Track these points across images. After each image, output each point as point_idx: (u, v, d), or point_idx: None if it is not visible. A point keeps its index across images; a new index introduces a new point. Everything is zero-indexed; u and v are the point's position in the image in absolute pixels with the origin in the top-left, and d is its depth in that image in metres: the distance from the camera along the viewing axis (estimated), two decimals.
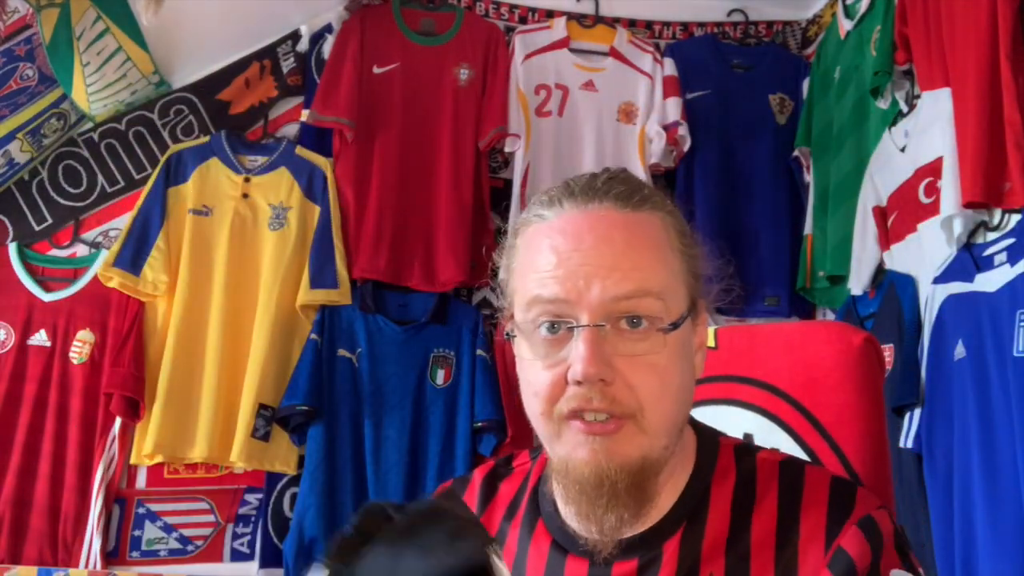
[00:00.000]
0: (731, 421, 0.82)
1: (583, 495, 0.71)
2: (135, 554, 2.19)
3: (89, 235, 2.36)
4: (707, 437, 0.82)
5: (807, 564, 0.71)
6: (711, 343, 1.03)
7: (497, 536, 0.82)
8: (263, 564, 2.23)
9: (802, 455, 0.92)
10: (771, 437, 0.96)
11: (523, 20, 2.65)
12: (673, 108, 2.49)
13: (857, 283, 2.15)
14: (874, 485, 0.88)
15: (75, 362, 2.21)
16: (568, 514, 0.76)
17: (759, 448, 0.82)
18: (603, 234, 0.72)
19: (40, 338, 2.22)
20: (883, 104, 2.17)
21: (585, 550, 0.74)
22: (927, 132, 1.96)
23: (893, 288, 2.03)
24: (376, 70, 2.46)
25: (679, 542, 0.74)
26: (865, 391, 0.94)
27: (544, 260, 0.73)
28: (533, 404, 0.74)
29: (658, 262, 0.73)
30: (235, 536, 2.26)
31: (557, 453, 0.74)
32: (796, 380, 0.97)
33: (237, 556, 2.26)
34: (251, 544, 2.26)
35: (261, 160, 2.38)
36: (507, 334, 0.78)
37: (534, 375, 0.73)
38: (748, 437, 0.98)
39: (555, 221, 0.75)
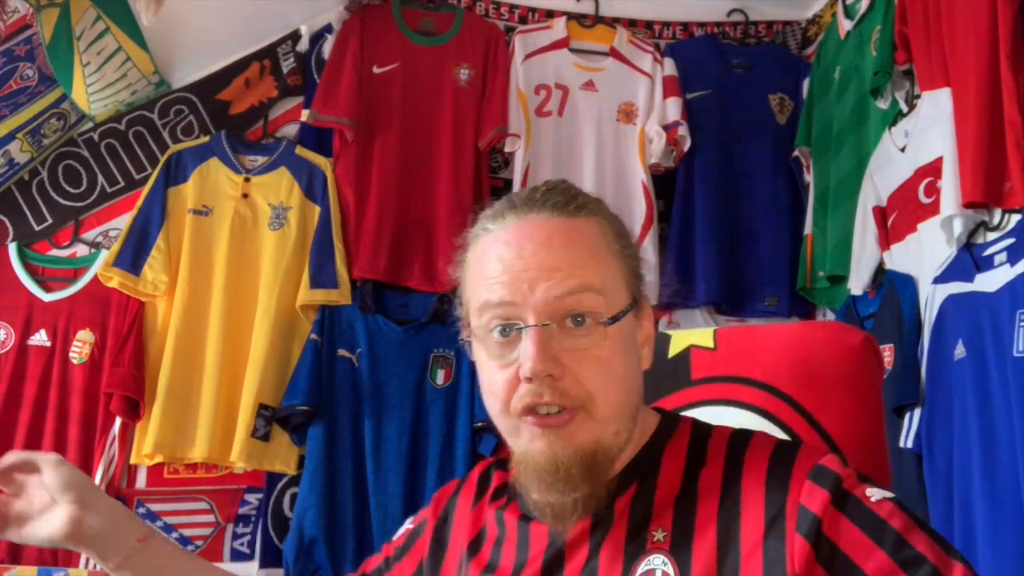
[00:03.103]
0: (731, 421, 0.83)
1: (541, 482, 0.77)
2: None
3: (89, 235, 2.37)
4: (670, 418, 0.88)
5: (748, 515, 0.75)
6: (710, 344, 1.04)
7: (484, 525, 0.89)
8: (263, 564, 2.23)
9: None
10: None
11: (523, 20, 2.65)
12: (673, 108, 2.49)
13: (857, 283, 2.15)
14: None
15: (75, 362, 2.21)
16: (530, 495, 0.81)
17: (719, 425, 0.87)
18: (543, 240, 0.79)
19: (40, 338, 2.22)
20: (883, 104, 2.17)
21: (545, 517, 0.80)
22: (927, 132, 1.96)
23: (893, 288, 2.03)
24: (376, 70, 2.46)
25: (630, 500, 0.80)
26: (864, 391, 0.95)
27: (491, 268, 0.79)
28: (492, 403, 0.80)
29: (596, 261, 0.79)
30: (235, 536, 2.27)
31: (517, 446, 0.80)
32: (795, 380, 0.97)
33: (237, 556, 2.26)
34: (251, 544, 2.26)
35: (261, 160, 2.38)
36: (463, 340, 0.84)
37: (490, 376, 0.79)
38: None
39: (499, 232, 0.81)
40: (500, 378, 0.78)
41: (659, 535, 0.77)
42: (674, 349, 1.06)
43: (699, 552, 0.75)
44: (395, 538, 0.98)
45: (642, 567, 0.76)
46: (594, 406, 0.77)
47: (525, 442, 0.78)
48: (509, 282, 0.77)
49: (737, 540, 0.74)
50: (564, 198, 0.82)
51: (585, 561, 0.78)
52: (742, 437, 0.83)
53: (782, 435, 0.93)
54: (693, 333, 1.07)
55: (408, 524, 0.98)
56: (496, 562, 0.84)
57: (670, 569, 0.75)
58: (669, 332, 1.08)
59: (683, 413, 0.85)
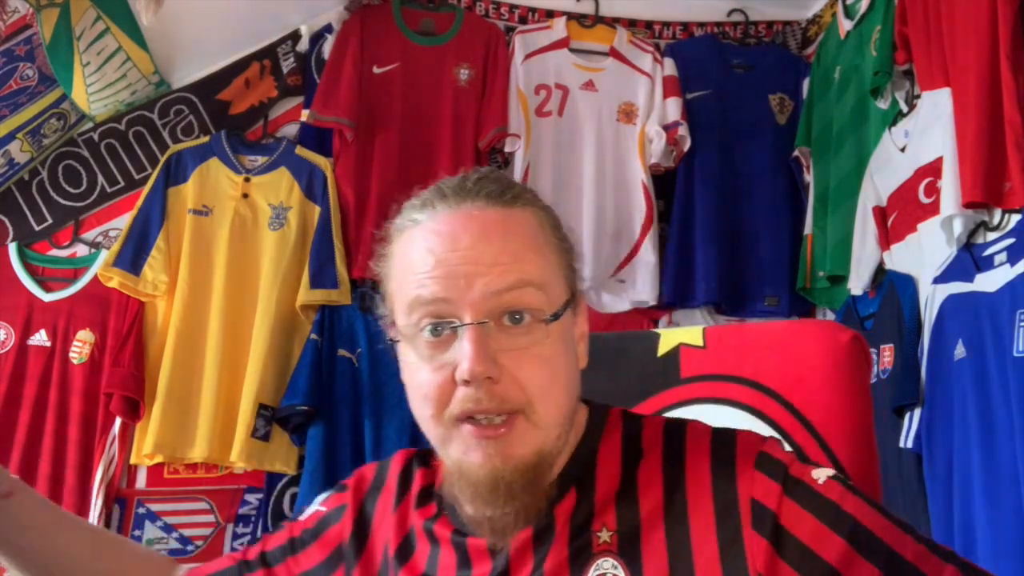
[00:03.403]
0: (720, 420, 0.82)
1: (478, 496, 0.72)
2: None
3: (89, 235, 2.36)
4: (598, 409, 0.83)
5: (697, 510, 0.72)
6: (700, 342, 1.04)
7: (410, 531, 0.82)
8: None
9: None
10: None
11: (523, 20, 2.65)
12: (673, 108, 2.49)
13: (857, 283, 2.15)
14: (863, 482, 0.89)
15: (75, 362, 2.21)
16: (464, 506, 0.77)
17: (648, 415, 0.84)
18: (479, 231, 0.73)
19: (40, 338, 2.22)
20: (883, 104, 2.17)
21: (483, 531, 0.75)
22: (927, 132, 1.96)
23: (893, 288, 2.03)
24: (376, 70, 2.46)
25: (571, 503, 0.76)
26: (853, 389, 0.95)
27: (421, 262, 0.73)
28: (422, 408, 0.74)
29: (536, 254, 0.74)
30: (235, 536, 2.26)
31: (450, 455, 0.74)
32: (785, 379, 0.97)
33: None
34: (251, 544, 2.26)
35: (261, 160, 2.38)
36: (390, 340, 0.78)
37: (421, 379, 0.73)
38: None
39: (429, 223, 0.75)
40: (432, 381, 0.72)
41: (605, 535, 0.74)
42: (663, 347, 1.05)
43: (649, 552, 0.72)
44: (303, 518, 0.90)
45: (592, 572, 0.72)
46: (535, 411, 0.71)
47: (459, 452, 0.72)
48: (443, 277, 0.71)
49: (688, 538, 0.72)
50: (498, 187, 0.76)
51: (530, 574, 0.73)
52: (677, 426, 0.79)
53: (773, 434, 0.94)
54: (683, 331, 1.06)
55: (319, 506, 0.90)
56: (433, 574, 0.78)
57: (621, 572, 0.72)
58: (658, 331, 1.08)
59: (673, 412, 0.83)
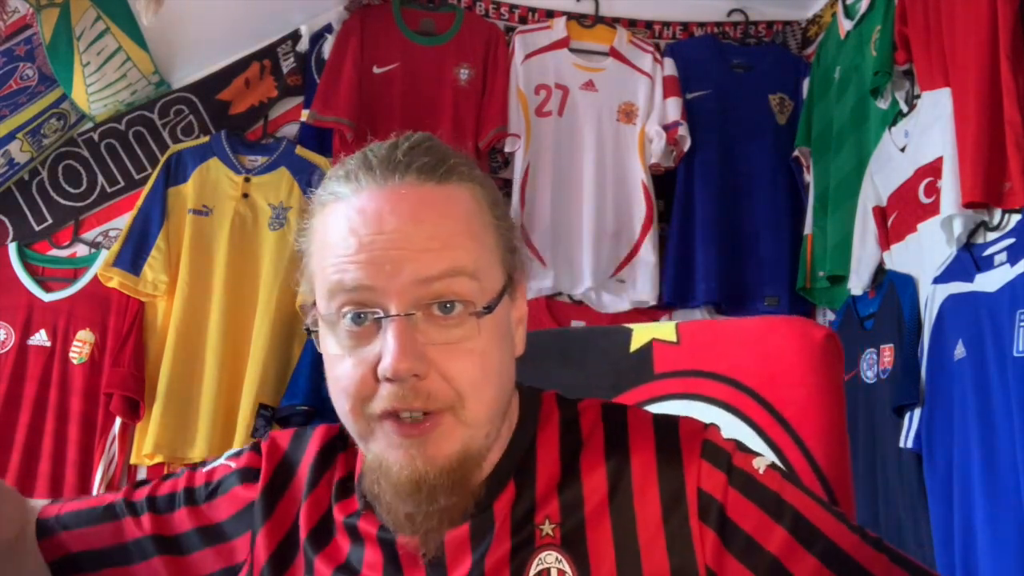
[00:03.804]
0: (695, 416, 0.82)
1: (398, 497, 0.67)
2: None
3: (89, 235, 2.37)
4: (530, 394, 0.78)
5: (643, 499, 0.70)
6: (673, 338, 1.02)
7: (325, 518, 0.76)
8: None
9: (766, 450, 0.92)
10: (734, 432, 0.96)
11: (523, 20, 2.64)
12: (673, 108, 2.49)
13: (857, 283, 2.15)
14: (837, 479, 0.90)
15: (75, 362, 2.21)
16: (385, 504, 0.71)
17: (580, 398, 0.80)
18: (408, 213, 0.66)
19: (40, 338, 2.22)
20: (883, 104, 2.17)
21: (406, 530, 0.70)
22: (927, 132, 1.96)
23: (893, 288, 2.02)
24: (376, 70, 2.46)
25: (511, 497, 0.71)
26: (828, 387, 0.95)
27: (344, 244, 0.66)
28: (341, 402, 0.68)
29: (470, 239, 0.68)
30: None
31: (371, 450, 0.68)
32: (759, 375, 0.97)
33: None
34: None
35: (261, 160, 2.38)
36: (307, 327, 0.71)
37: (341, 371, 0.67)
38: None
39: (353, 199, 0.68)
40: (353, 374, 0.66)
41: (547, 528, 0.70)
42: (636, 343, 1.04)
43: (595, 544, 0.69)
44: (206, 470, 0.82)
45: (534, 567, 0.68)
46: (464, 408, 0.66)
47: (380, 448, 0.67)
48: (367, 262, 0.65)
49: (634, 529, 0.69)
50: (432, 159, 0.69)
51: (467, 573, 0.69)
52: (616, 411, 0.76)
53: (746, 435, 0.93)
54: (655, 327, 1.05)
55: (228, 461, 0.82)
56: (357, 568, 0.72)
57: (565, 566, 0.68)
58: (631, 326, 1.06)
59: (647, 408, 0.81)
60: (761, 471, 0.71)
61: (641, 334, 1.04)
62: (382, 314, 0.65)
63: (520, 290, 0.75)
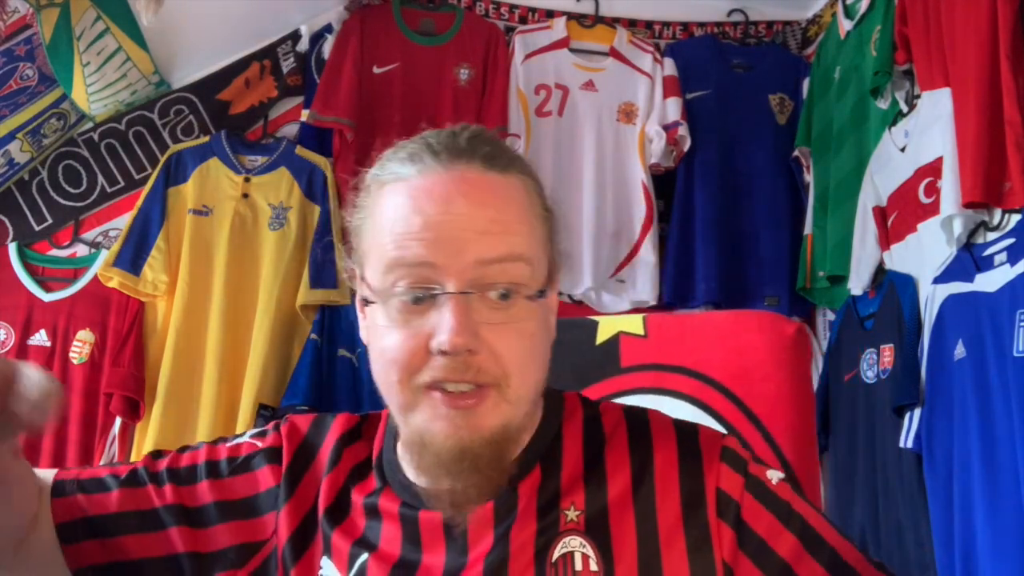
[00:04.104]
0: (663, 411, 0.82)
1: (440, 467, 0.69)
2: None
3: (89, 235, 2.37)
4: (552, 390, 0.81)
5: (664, 496, 0.73)
6: (640, 331, 1.02)
7: (341, 495, 0.77)
8: None
9: None
10: None
11: (523, 20, 2.64)
12: (673, 108, 2.49)
13: (857, 283, 2.15)
14: (805, 475, 0.90)
15: (75, 362, 2.21)
16: (418, 478, 0.74)
17: (603, 401, 0.84)
18: (473, 196, 0.69)
19: (40, 338, 2.22)
20: (883, 104, 2.17)
21: (439, 504, 0.72)
22: (927, 132, 1.96)
23: (893, 288, 2.02)
24: (376, 70, 2.46)
25: (536, 480, 0.74)
26: (796, 381, 0.95)
27: (407, 222, 0.69)
28: (389, 372, 0.70)
29: (526, 226, 0.72)
30: None
31: (412, 423, 0.70)
32: (728, 370, 0.97)
33: None
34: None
35: (261, 160, 2.38)
36: (364, 299, 0.73)
37: (391, 342, 0.69)
38: None
39: (417, 180, 0.71)
40: (403, 346, 0.68)
41: (572, 514, 0.72)
42: (602, 335, 1.03)
43: (618, 533, 0.72)
44: (229, 445, 0.82)
45: (559, 550, 0.71)
46: (508, 386, 0.69)
47: (424, 420, 0.69)
48: (432, 241, 0.67)
49: (655, 524, 0.72)
50: (492, 149, 0.73)
51: (490, 549, 0.71)
52: (639, 414, 0.79)
53: (717, 426, 0.93)
54: (622, 319, 1.05)
55: (252, 439, 0.82)
56: (372, 542, 0.74)
57: (589, 551, 0.71)
58: (596, 318, 1.06)
59: (614, 402, 0.82)
60: (774, 482, 0.74)
61: (607, 326, 1.03)
62: (440, 290, 0.67)
63: (555, 282, 0.78)
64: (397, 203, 0.70)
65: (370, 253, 0.72)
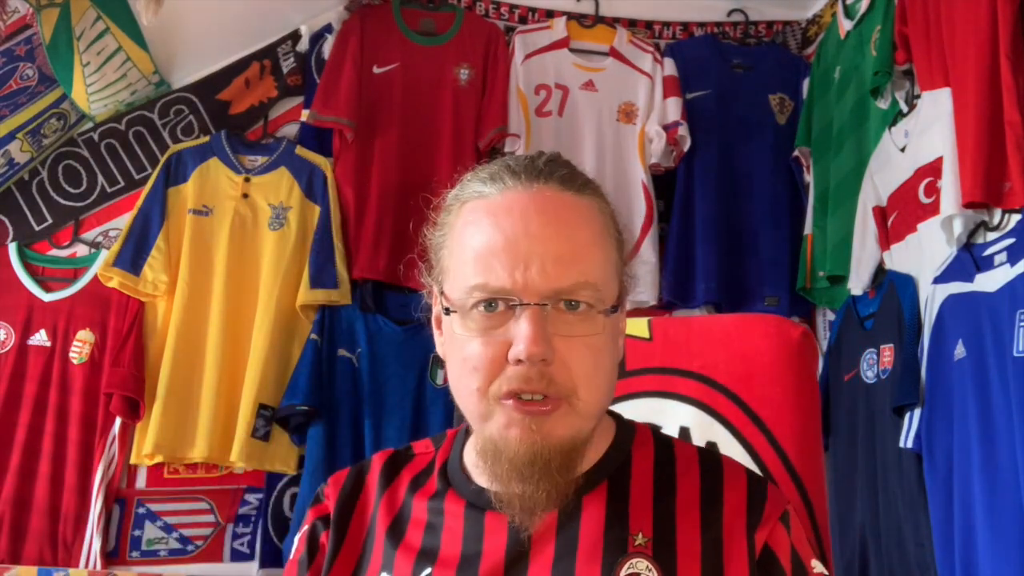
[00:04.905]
0: (668, 414, 0.82)
1: (514, 472, 0.72)
2: (135, 554, 2.19)
3: (89, 235, 2.36)
4: (623, 419, 0.86)
5: (733, 537, 0.75)
6: (645, 335, 1.03)
7: (402, 509, 0.81)
8: (263, 564, 2.22)
9: (740, 448, 0.93)
10: (709, 431, 0.95)
11: (523, 20, 2.64)
12: (673, 108, 2.49)
13: (857, 283, 2.15)
14: (809, 478, 0.90)
15: (75, 362, 2.21)
16: (491, 484, 0.77)
17: (676, 437, 0.88)
18: (551, 215, 0.73)
19: (40, 338, 2.22)
20: (883, 104, 2.17)
21: (510, 508, 0.75)
22: (927, 132, 1.96)
23: (893, 288, 2.02)
24: (376, 70, 2.46)
25: (604, 498, 0.77)
26: (802, 386, 0.95)
27: (489, 238, 0.73)
28: (470, 380, 0.73)
29: (599, 249, 0.75)
30: (235, 536, 2.26)
31: (486, 431, 0.74)
32: (733, 373, 0.97)
33: (237, 556, 2.26)
34: (251, 544, 2.26)
35: (261, 160, 2.38)
36: (443, 311, 0.77)
37: (470, 351, 0.73)
38: (685, 431, 0.97)
39: (499, 199, 0.74)
40: (483, 354, 0.72)
41: (640, 539, 0.75)
42: None
43: (684, 564, 0.74)
44: (293, 552, 0.87)
45: (625, 569, 0.73)
46: (578, 399, 0.73)
47: (499, 427, 0.73)
48: (512, 257, 0.71)
49: (721, 559, 0.74)
50: (569, 172, 0.77)
51: (555, 557, 0.74)
52: (712, 456, 0.82)
53: (721, 434, 0.93)
54: (627, 322, 1.05)
55: (303, 527, 0.87)
56: (434, 550, 0.77)
57: (655, 575, 0.73)
58: None
59: (617, 406, 0.84)
60: (816, 570, 0.78)
61: None
62: (517, 302, 0.71)
63: (624, 305, 0.81)
64: (478, 220, 0.74)
65: (451, 268, 0.76)
